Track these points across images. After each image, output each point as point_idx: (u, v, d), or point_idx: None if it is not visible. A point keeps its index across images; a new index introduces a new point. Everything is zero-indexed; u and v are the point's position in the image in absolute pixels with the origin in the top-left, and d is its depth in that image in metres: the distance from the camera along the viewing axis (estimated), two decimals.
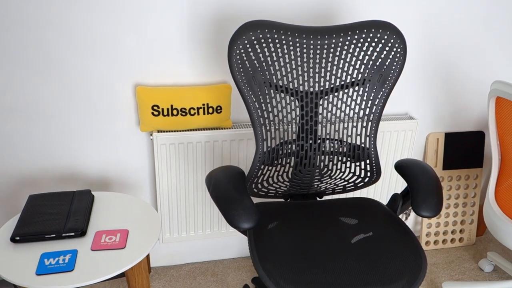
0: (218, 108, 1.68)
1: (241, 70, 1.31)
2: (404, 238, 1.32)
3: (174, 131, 1.70)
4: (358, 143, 1.46)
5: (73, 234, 1.35)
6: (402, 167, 1.41)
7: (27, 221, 1.37)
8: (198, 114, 1.66)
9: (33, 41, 1.51)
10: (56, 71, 1.57)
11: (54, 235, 1.33)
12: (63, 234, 1.34)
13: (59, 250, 1.30)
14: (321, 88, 1.39)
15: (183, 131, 1.70)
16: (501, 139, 1.60)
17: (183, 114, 1.65)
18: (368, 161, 1.46)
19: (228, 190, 1.24)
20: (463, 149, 2.08)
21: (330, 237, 1.34)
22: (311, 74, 1.38)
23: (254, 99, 1.34)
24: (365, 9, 1.73)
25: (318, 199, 1.61)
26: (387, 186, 1.98)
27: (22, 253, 1.28)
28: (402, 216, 2.04)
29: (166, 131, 1.69)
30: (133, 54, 1.61)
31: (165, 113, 1.63)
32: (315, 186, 1.53)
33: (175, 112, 1.64)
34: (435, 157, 2.06)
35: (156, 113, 1.63)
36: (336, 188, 1.57)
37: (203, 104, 1.66)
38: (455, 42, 1.88)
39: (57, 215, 1.41)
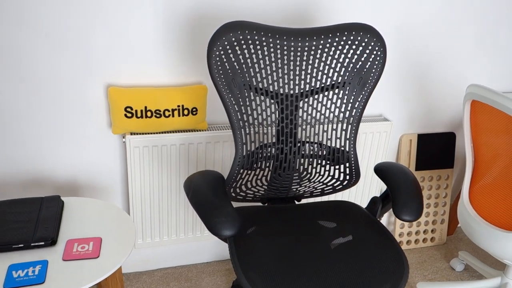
0: (194, 109, 1.63)
1: (221, 72, 1.27)
2: (385, 243, 1.32)
3: (148, 133, 1.64)
4: (338, 146, 1.44)
5: (42, 243, 1.27)
6: (382, 171, 1.40)
7: None
8: (173, 116, 1.61)
9: None
10: (21, 69, 1.48)
11: (22, 245, 1.25)
12: (32, 244, 1.26)
13: (28, 261, 1.22)
14: (301, 91, 1.37)
15: (157, 133, 1.65)
16: (475, 141, 1.62)
17: (158, 116, 1.59)
18: (347, 164, 1.45)
19: (209, 196, 1.20)
20: (435, 150, 2.11)
21: (311, 242, 1.32)
22: (291, 77, 1.35)
23: (233, 102, 1.31)
24: (341, 12, 1.73)
25: (296, 202, 1.59)
26: (361, 188, 1.98)
27: None
28: None
29: (139, 134, 1.63)
30: (105, 53, 1.54)
31: (139, 114, 1.57)
32: (294, 189, 1.51)
33: (149, 113, 1.58)
34: (408, 158, 2.08)
35: (129, 115, 1.57)
36: (314, 191, 1.56)
37: (178, 106, 1.61)
38: (428, 45, 1.90)
39: (25, 223, 1.33)
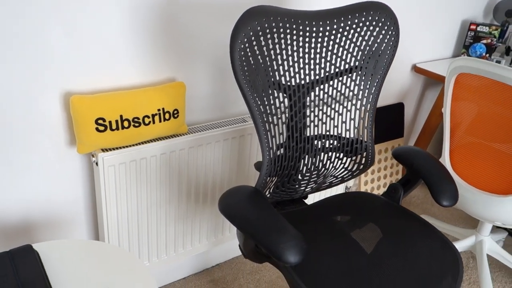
0: (175, 112, 1.38)
1: (246, 68, 1.07)
2: (424, 231, 1.27)
3: (122, 147, 1.35)
4: (356, 136, 1.34)
5: None
6: (404, 156, 1.34)
7: None
8: (154, 122, 1.34)
9: None
10: None
11: None
12: None
13: None
14: (322, 81, 1.22)
15: (133, 145, 1.36)
16: (453, 109, 1.65)
17: (136, 125, 1.31)
18: (364, 154, 1.36)
19: (264, 221, 1.01)
20: (388, 121, 2.14)
21: (354, 246, 1.22)
22: (312, 66, 1.20)
23: (259, 103, 1.11)
24: None
25: (305, 201, 1.47)
26: None
27: None
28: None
29: (112, 149, 1.33)
30: (60, 53, 1.19)
31: (114, 126, 1.27)
32: (309, 188, 1.38)
33: (126, 123, 1.29)
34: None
35: (102, 128, 1.26)
36: (323, 185, 1.44)
37: (159, 110, 1.34)
38: None
39: None
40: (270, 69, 1.12)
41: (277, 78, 1.14)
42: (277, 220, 1.02)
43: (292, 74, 1.17)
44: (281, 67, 1.14)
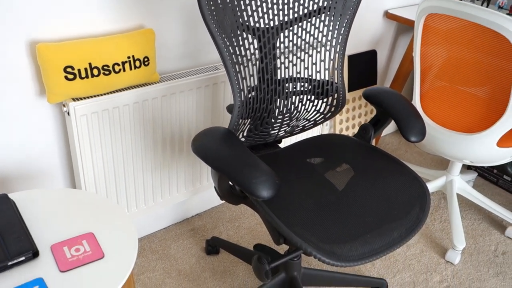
0: (146, 59, 1.37)
1: (213, 8, 1.06)
2: (394, 166, 1.32)
3: (94, 96, 1.34)
4: (327, 78, 1.36)
5: (23, 258, 0.98)
6: (374, 96, 1.37)
7: None
8: (124, 70, 1.33)
9: None
10: None
11: None
12: (10, 263, 0.96)
13: (17, 285, 0.93)
14: (291, 21, 1.22)
15: (105, 94, 1.35)
16: (423, 53, 1.68)
17: (106, 73, 1.30)
18: (335, 96, 1.38)
19: (237, 158, 1.03)
20: (361, 69, 2.16)
21: (326, 184, 1.26)
22: (280, 6, 1.19)
23: (228, 43, 1.11)
24: None
25: (279, 145, 1.49)
26: None
27: None
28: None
29: (83, 98, 1.32)
30: (22, 0, 1.16)
31: (83, 74, 1.26)
32: (282, 132, 1.40)
33: (95, 71, 1.28)
34: None
35: (71, 76, 1.24)
36: (296, 129, 1.47)
37: (129, 57, 1.32)
38: None
39: None
40: (237, 9, 1.11)
41: (245, 18, 1.13)
42: (249, 157, 1.04)
43: (260, 15, 1.16)
44: (248, 7, 1.13)
